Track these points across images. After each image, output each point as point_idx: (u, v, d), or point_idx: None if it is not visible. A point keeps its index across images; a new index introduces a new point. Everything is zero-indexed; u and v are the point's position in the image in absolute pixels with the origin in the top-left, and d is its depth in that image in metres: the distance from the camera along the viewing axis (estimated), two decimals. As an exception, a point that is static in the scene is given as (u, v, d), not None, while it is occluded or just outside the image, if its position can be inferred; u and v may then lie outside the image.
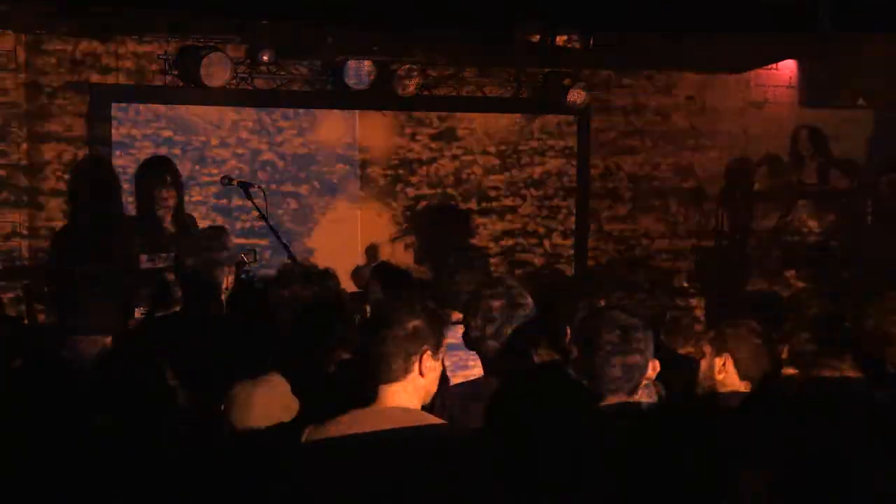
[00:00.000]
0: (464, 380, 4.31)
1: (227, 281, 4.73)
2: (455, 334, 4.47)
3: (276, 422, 3.64)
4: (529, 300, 4.06)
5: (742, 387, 4.16)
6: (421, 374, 3.29)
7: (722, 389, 4.18)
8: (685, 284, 5.09)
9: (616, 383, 3.52)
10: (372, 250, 7.99)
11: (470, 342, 4.05)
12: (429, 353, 3.31)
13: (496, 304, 3.97)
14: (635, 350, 3.54)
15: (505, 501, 3.29)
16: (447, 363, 4.38)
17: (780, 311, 4.65)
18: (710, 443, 2.89)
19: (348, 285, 4.89)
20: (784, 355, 4.24)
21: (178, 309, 4.93)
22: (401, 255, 7.99)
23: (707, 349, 4.28)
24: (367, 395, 3.34)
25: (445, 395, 3.91)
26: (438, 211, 8.26)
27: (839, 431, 3.20)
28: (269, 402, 3.70)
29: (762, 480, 2.94)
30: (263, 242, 6.92)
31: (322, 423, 3.27)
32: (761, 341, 4.21)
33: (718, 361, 4.20)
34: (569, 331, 4.21)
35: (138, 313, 5.25)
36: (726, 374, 4.19)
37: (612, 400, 3.51)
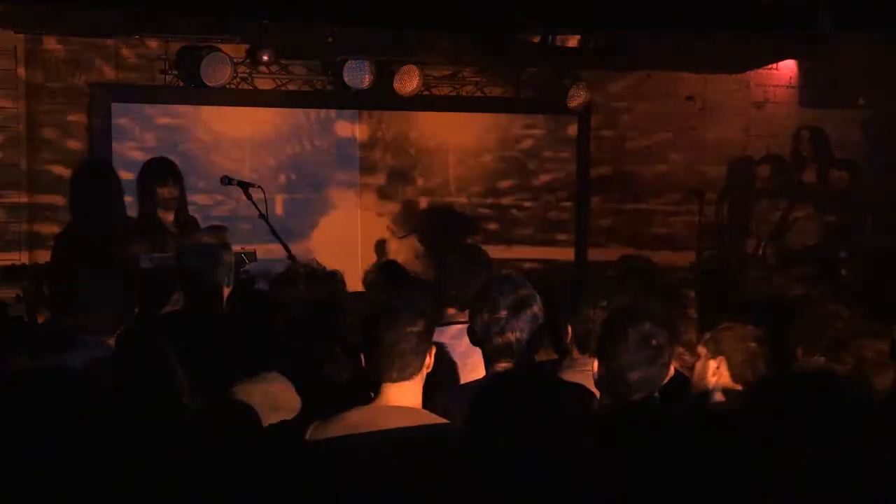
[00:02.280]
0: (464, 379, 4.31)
1: (228, 280, 4.73)
2: (456, 333, 4.48)
3: (277, 420, 3.64)
4: (537, 298, 4.05)
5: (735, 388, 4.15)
6: (427, 368, 3.33)
7: (714, 390, 4.18)
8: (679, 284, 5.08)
9: (639, 386, 3.51)
10: (380, 247, 7.99)
11: (476, 338, 4.02)
12: (434, 348, 3.35)
13: (505, 300, 3.95)
14: (659, 356, 3.54)
15: (504, 501, 3.29)
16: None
17: (781, 311, 4.64)
18: (715, 445, 2.89)
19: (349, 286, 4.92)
20: (799, 356, 4.24)
21: (178, 308, 4.94)
22: (404, 254, 7.99)
23: (702, 351, 4.26)
24: (369, 394, 3.34)
25: (452, 395, 3.91)
26: (441, 210, 8.26)
27: (842, 431, 3.20)
28: (269, 400, 3.70)
29: (777, 483, 2.94)
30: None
31: (326, 421, 3.27)
32: (757, 345, 4.20)
33: (713, 364, 4.19)
34: (570, 330, 4.20)
35: (138, 313, 5.25)
36: (719, 377, 4.18)
37: (632, 400, 3.51)
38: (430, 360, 3.37)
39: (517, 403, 3.63)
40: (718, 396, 4.17)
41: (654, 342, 3.53)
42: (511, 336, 3.92)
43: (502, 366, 3.91)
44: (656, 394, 3.57)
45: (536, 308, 4.01)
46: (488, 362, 4.00)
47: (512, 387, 3.75)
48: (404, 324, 3.28)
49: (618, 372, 3.51)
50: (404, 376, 3.28)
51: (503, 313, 3.92)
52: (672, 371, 3.68)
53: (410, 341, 3.28)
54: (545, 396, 3.70)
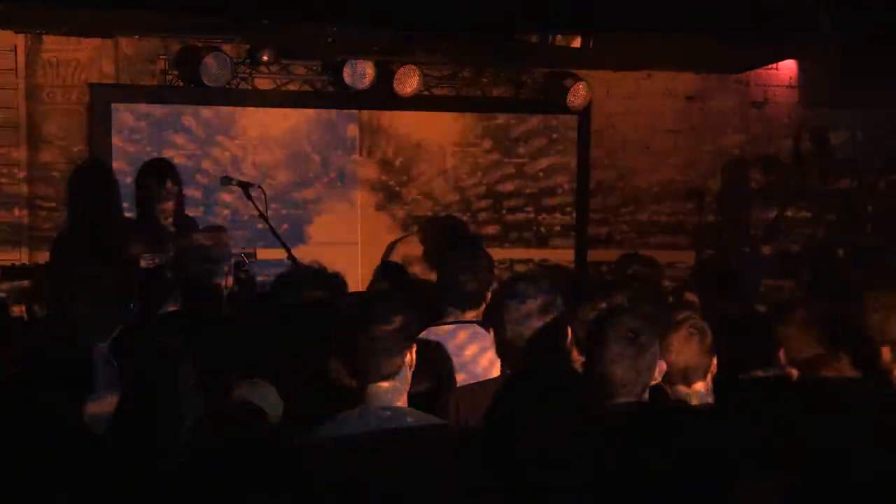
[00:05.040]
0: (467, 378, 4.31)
1: (227, 281, 4.74)
2: (458, 332, 4.48)
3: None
4: (560, 300, 4.05)
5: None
6: (409, 367, 3.31)
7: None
8: (674, 283, 5.07)
9: (623, 385, 3.51)
10: (380, 248, 7.98)
11: (503, 341, 3.99)
12: (415, 346, 3.32)
13: (534, 303, 3.95)
14: (643, 353, 3.53)
15: (503, 502, 3.28)
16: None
17: (780, 312, 4.64)
18: (714, 445, 2.89)
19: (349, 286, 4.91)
20: (781, 357, 4.23)
21: (176, 308, 4.93)
22: (405, 255, 7.99)
23: None
24: (356, 396, 3.32)
25: (457, 396, 3.90)
26: (440, 211, 8.26)
27: (843, 432, 3.20)
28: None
29: (773, 484, 2.94)
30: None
31: (313, 427, 3.25)
32: (696, 340, 4.08)
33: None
34: (569, 331, 4.21)
35: (136, 314, 5.25)
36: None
37: (618, 401, 3.50)
38: (411, 359, 3.33)
39: (531, 403, 3.63)
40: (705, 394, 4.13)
41: (635, 338, 3.53)
42: (540, 337, 3.92)
43: (527, 366, 3.90)
44: (646, 393, 3.57)
45: (560, 308, 4.02)
46: (513, 363, 3.99)
47: (530, 387, 3.75)
48: (376, 323, 3.25)
49: (600, 368, 3.52)
50: (383, 376, 3.25)
51: (535, 317, 3.92)
52: (664, 368, 3.68)
53: (385, 340, 3.24)
54: (555, 396, 3.70)
